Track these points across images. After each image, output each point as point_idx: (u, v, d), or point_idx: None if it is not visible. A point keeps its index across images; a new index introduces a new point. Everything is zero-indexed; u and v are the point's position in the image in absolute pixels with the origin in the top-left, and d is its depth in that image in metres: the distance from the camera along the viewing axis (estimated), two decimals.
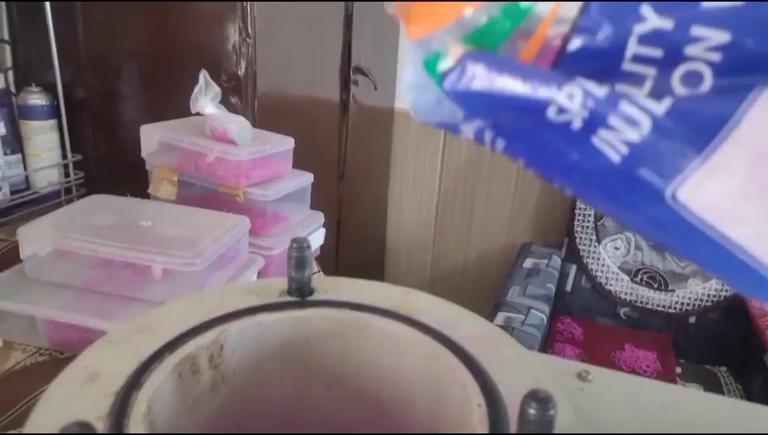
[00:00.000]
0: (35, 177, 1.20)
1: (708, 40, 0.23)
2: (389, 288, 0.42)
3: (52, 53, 1.12)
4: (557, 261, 1.52)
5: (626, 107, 0.23)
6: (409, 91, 0.27)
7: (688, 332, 1.46)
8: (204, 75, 0.94)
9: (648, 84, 0.24)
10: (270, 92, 1.23)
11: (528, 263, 1.51)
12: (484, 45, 0.25)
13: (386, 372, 0.39)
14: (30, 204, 1.16)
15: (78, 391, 0.31)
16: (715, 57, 0.23)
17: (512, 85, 0.24)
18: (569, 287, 1.53)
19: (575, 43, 0.24)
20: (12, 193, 1.13)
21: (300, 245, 0.40)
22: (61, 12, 1.15)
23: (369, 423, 0.40)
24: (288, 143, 1.02)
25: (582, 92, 0.23)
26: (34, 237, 0.81)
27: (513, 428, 0.30)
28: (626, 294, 1.48)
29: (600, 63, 0.24)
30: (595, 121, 0.23)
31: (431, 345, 0.37)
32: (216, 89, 0.95)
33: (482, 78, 0.24)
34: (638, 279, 1.48)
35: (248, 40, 1.12)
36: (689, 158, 0.23)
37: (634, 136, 0.23)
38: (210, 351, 0.36)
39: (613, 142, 0.23)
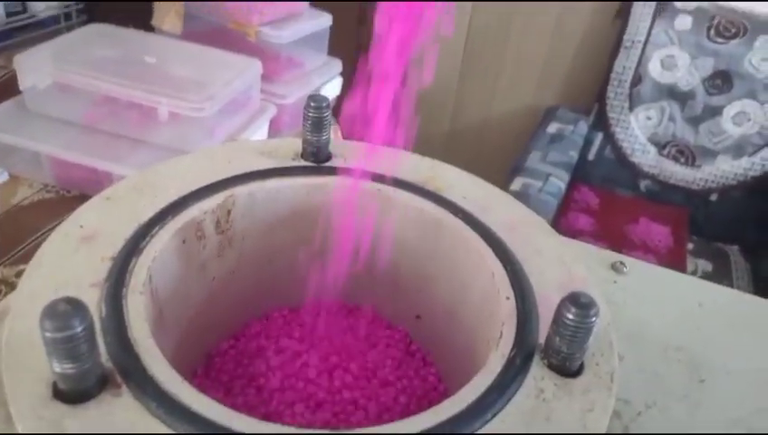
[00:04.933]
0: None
1: None
2: (417, 159, 0.37)
3: None
4: (583, 127, 1.45)
5: None
6: None
7: (707, 209, 1.43)
8: None
9: None
10: None
11: (552, 128, 1.44)
12: None
13: (406, 248, 0.36)
14: (27, 29, 1.09)
15: (72, 253, 0.28)
16: None
17: None
18: (591, 156, 1.48)
19: None
20: (8, 16, 1.05)
21: (318, 104, 0.35)
22: None
23: (386, 298, 0.38)
24: None
25: None
26: (33, 67, 0.76)
27: (543, 325, 0.28)
28: (650, 166, 1.43)
29: None
30: None
31: (459, 227, 0.33)
32: None
33: None
34: (665, 152, 1.42)
35: None
36: None
37: None
38: (216, 216, 0.33)
39: None
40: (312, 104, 0.34)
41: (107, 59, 0.77)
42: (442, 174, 0.36)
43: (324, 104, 0.35)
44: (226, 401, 0.31)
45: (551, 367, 0.26)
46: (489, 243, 0.32)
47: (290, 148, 0.37)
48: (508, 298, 0.29)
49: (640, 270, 0.37)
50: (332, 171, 0.36)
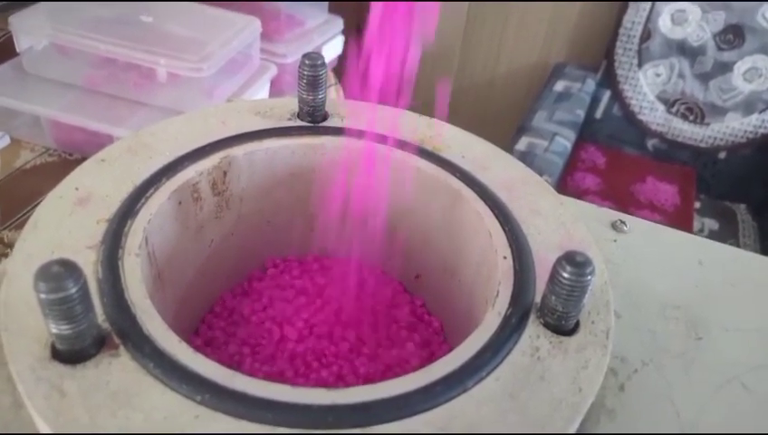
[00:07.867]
0: None
1: None
2: (415, 118, 0.37)
3: None
4: (591, 85, 1.42)
5: None
6: None
7: (715, 167, 1.42)
8: None
9: None
10: None
11: (559, 86, 1.41)
12: None
13: (404, 208, 0.36)
14: None
15: (68, 216, 0.28)
16: None
17: None
18: (599, 114, 1.45)
19: None
20: None
21: (313, 62, 0.34)
22: None
23: (385, 257, 0.38)
24: None
25: None
26: (29, 28, 0.74)
27: (540, 285, 0.28)
28: (658, 124, 1.41)
29: None
30: None
31: (457, 186, 0.33)
32: None
33: None
34: (674, 110, 1.39)
35: None
36: None
37: None
38: (212, 177, 0.33)
39: None
40: (307, 62, 0.34)
41: (103, 18, 0.76)
42: (440, 133, 0.36)
43: (319, 62, 0.34)
44: (227, 361, 0.32)
45: (546, 326, 0.26)
46: (487, 202, 0.32)
47: (286, 108, 0.37)
48: (505, 258, 0.29)
49: (641, 229, 0.37)
50: (329, 131, 0.35)
